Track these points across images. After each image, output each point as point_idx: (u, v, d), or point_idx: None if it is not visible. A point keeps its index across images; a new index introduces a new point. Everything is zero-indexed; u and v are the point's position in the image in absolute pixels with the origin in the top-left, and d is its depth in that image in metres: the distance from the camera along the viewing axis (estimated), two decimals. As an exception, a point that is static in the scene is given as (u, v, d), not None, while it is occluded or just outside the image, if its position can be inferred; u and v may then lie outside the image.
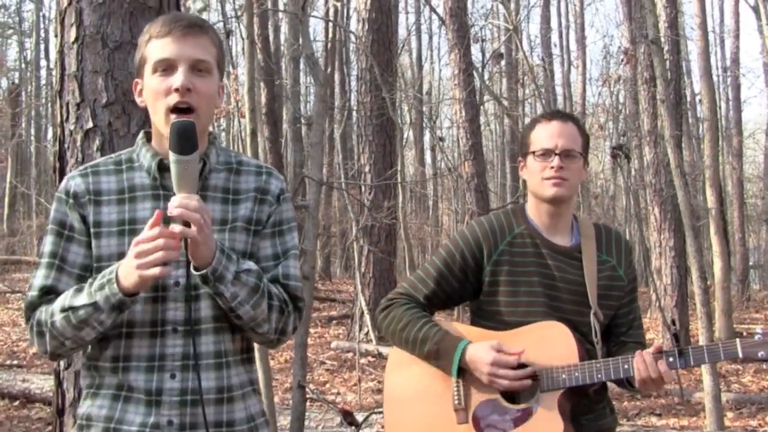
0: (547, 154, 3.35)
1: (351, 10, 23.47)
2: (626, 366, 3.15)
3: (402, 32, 27.44)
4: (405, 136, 30.92)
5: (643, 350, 3.14)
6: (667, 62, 13.23)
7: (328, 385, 12.58)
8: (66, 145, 3.95)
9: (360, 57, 15.67)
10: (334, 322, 18.58)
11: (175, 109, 2.49)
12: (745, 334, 17.93)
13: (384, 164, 14.92)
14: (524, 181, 3.58)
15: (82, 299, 2.43)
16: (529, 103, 30.49)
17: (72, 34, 3.96)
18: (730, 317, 16.70)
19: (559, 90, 31.96)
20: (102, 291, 2.40)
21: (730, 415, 10.48)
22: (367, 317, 14.09)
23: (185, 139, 2.36)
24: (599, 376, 3.18)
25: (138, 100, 2.66)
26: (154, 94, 2.53)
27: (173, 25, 2.53)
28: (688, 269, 17.34)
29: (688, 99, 23.19)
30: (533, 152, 3.39)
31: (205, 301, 2.54)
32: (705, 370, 8.59)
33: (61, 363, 3.92)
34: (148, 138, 2.70)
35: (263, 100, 20.46)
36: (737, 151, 27.34)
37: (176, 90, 2.48)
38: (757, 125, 40.10)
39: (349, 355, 14.33)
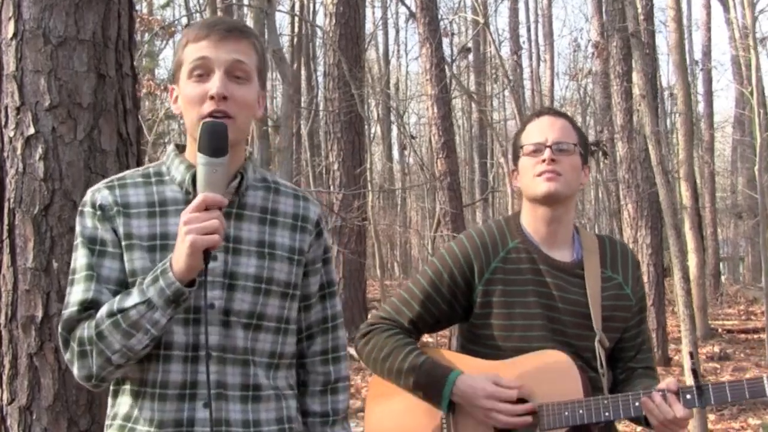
0: (537, 149, 3.02)
1: (317, 4, 23.13)
2: (637, 403, 2.80)
3: (368, 27, 27.17)
4: (372, 131, 30.73)
5: (652, 390, 2.79)
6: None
7: (300, 389, 12.17)
8: (5, 154, 3.53)
9: (327, 52, 15.32)
10: (303, 323, 18.12)
11: (212, 117, 2.33)
12: (720, 330, 17.81)
13: (353, 161, 14.59)
14: (517, 190, 3.23)
15: (133, 299, 2.27)
16: (497, 98, 30.33)
17: (10, 29, 3.54)
18: (705, 314, 16.59)
19: (527, 84, 31.80)
20: (155, 284, 2.24)
21: (711, 417, 10.27)
22: (337, 319, 13.69)
23: (216, 140, 2.23)
24: (606, 414, 2.82)
25: (173, 107, 2.53)
26: (189, 101, 2.39)
27: (212, 28, 2.41)
28: (667, 267, 17.25)
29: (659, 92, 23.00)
30: (522, 147, 3.07)
31: (239, 329, 2.41)
32: (686, 372, 8.33)
33: (4, 397, 3.52)
34: (180, 150, 2.55)
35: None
36: (709, 145, 27.25)
37: (212, 98, 2.33)
38: (723, 117, 40.11)
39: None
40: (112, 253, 2.39)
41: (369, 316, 3.30)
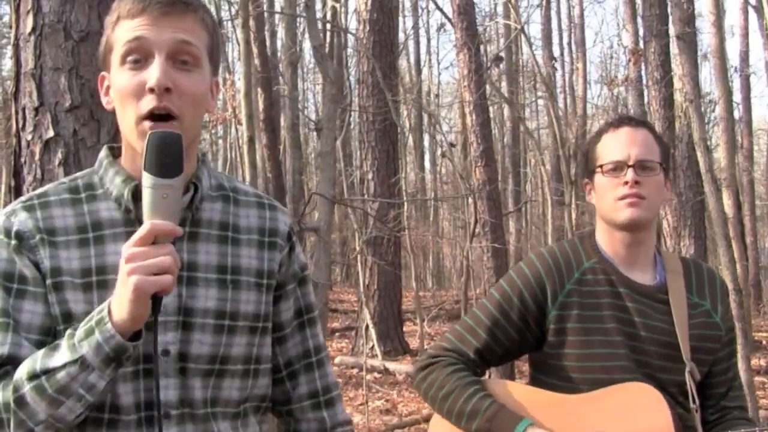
0: (618, 167, 2.67)
1: (350, 12, 22.91)
2: None
3: (400, 36, 26.95)
4: (405, 141, 30.47)
5: None
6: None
7: (332, 406, 11.85)
8: (23, 159, 3.22)
9: (361, 60, 15.04)
10: (337, 334, 17.89)
11: (151, 116, 1.84)
12: (764, 342, 17.32)
13: (387, 171, 14.31)
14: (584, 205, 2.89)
15: (61, 357, 1.77)
16: (530, 107, 29.98)
17: (28, 23, 3.23)
18: (750, 326, 16.11)
19: (560, 92, 31.36)
20: (90, 338, 1.75)
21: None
22: (372, 331, 13.39)
23: (167, 156, 1.73)
24: None
25: (104, 100, 2.01)
26: (122, 94, 1.88)
27: (149, 0, 1.87)
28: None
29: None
30: (601, 167, 2.71)
31: (198, 377, 1.94)
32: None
33: None
34: (115, 155, 2.05)
35: (260, 106, 19.82)
36: (748, 153, 26.72)
37: (151, 90, 1.83)
38: (757, 125, 39.47)
39: (354, 371, 13.70)
40: (34, 293, 1.89)
41: (430, 346, 2.90)
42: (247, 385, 2.02)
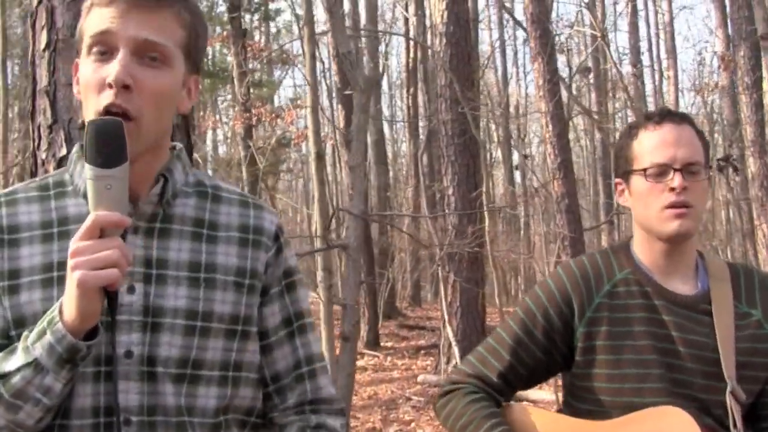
0: (663, 171, 2.39)
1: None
2: None
3: (486, 49, 26.77)
4: (494, 155, 30.18)
5: None
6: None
7: (413, 425, 11.77)
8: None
9: (438, 73, 14.84)
10: (423, 352, 17.76)
11: (107, 114, 1.74)
12: None
13: (468, 186, 14.03)
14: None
15: (16, 361, 1.71)
16: (619, 117, 29.44)
17: (42, 39, 3.14)
18: None
19: (650, 100, 30.73)
20: (42, 339, 1.69)
21: None
22: (455, 349, 13.16)
23: (107, 144, 1.65)
24: None
25: (74, 89, 1.93)
26: (85, 86, 1.81)
27: None
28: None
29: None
30: (644, 170, 2.42)
31: (169, 383, 1.81)
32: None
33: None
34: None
35: (341, 123, 19.79)
36: None
37: (110, 85, 1.75)
38: None
39: (437, 389, 13.43)
40: None
41: (452, 370, 2.69)
42: (226, 393, 1.88)
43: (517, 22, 13.41)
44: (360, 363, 15.94)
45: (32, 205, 1.90)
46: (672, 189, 2.37)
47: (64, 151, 3.06)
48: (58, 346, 1.67)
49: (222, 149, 32.57)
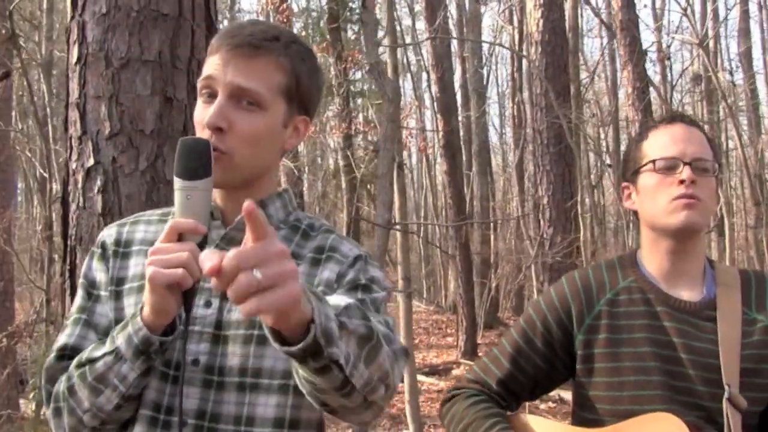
0: (672, 165, 2.36)
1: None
2: None
3: (595, 58, 26.47)
4: (599, 164, 29.76)
5: None
6: None
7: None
8: (69, 188, 3.26)
9: (534, 82, 14.75)
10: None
11: None
12: None
13: (563, 195, 13.89)
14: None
15: (103, 348, 1.90)
16: (724, 126, 28.70)
17: (74, 54, 3.27)
18: None
19: (764, 110, 29.87)
20: (124, 331, 1.87)
21: None
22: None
23: (191, 160, 1.81)
24: None
25: None
26: (196, 122, 2.01)
27: (225, 39, 1.98)
28: None
29: None
30: (653, 162, 2.39)
31: (231, 392, 1.92)
32: None
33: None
34: None
35: (440, 132, 19.83)
36: None
37: (207, 126, 1.95)
38: None
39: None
40: (106, 297, 2.05)
41: (457, 378, 2.70)
42: (286, 402, 1.92)
43: (609, 29, 13.22)
44: (455, 372, 15.91)
45: (150, 226, 2.12)
46: (681, 182, 2.33)
47: (91, 162, 3.19)
48: (134, 337, 1.82)
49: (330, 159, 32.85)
